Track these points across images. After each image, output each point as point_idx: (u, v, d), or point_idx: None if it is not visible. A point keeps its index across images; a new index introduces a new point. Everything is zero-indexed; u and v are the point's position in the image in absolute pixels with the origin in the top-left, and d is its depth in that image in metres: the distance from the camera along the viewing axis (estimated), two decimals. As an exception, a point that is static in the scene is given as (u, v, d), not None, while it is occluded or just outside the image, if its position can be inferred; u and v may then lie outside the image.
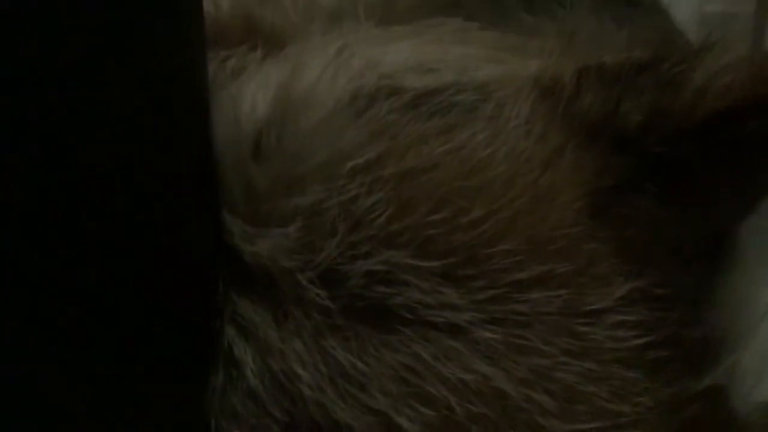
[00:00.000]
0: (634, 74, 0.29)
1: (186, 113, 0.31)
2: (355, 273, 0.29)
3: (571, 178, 0.29)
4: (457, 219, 0.28)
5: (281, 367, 0.29)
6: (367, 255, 0.29)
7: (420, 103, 0.31)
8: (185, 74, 0.31)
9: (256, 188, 0.31)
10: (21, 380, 0.25)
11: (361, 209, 0.29)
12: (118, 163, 0.27)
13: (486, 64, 0.33)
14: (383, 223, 0.29)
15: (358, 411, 0.28)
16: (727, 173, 0.28)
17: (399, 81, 0.32)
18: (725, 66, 0.27)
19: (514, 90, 0.30)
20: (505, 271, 0.28)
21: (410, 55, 0.33)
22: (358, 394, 0.28)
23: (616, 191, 0.29)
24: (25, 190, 0.24)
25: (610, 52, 0.32)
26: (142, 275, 0.28)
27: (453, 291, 0.28)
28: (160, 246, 0.29)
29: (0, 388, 0.24)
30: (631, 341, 0.28)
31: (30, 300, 0.25)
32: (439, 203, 0.29)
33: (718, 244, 0.30)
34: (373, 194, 0.29)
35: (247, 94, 0.35)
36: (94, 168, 0.26)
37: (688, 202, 0.29)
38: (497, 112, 0.30)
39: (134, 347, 0.28)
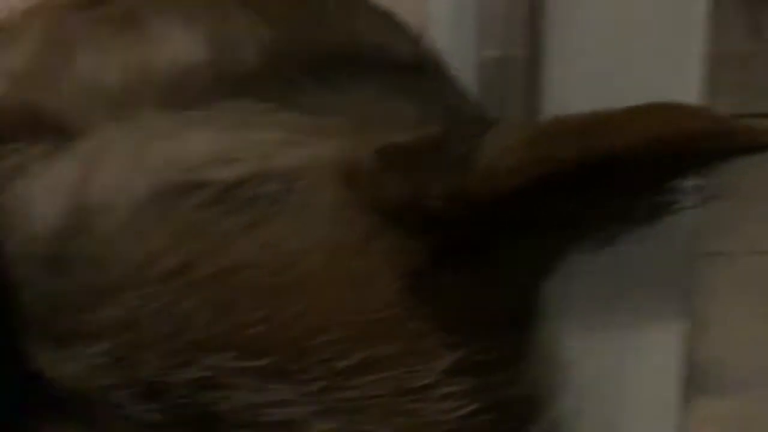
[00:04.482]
0: (429, 154, 0.30)
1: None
2: (180, 382, 0.28)
3: (385, 261, 0.29)
4: (277, 315, 0.28)
5: None
6: (189, 362, 0.28)
7: (225, 198, 0.30)
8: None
9: (56, 305, 0.29)
10: None
11: (178, 315, 0.28)
12: None
13: (287, 150, 0.32)
14: (203, 327, 0.28)
15: None
16: (527, 243, 0.30)
17: (200, 175, 0.31)
18: (510, 147, 0.28)
19: (317, 177, 0.30)
20: (333, 361, 0.28)
21: (209, 145, 0.32)
22: None
23: (430, 268, 0.29)
24: None
25: (403, 130, 0.33)
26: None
27: (283, 387, 0.28)
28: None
29: None
30: (460, 410, 0.29)
31: None
32: (258, 301, 0.28)
33: (527, 303, 0.32)
34: (189, 298, 0.28)
35: (34, 198, 0.32)
36: None
37: (496, 272, 0.30)
38: (303, 202, 0.30)
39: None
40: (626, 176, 0.28)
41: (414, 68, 0.46)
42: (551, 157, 0.27)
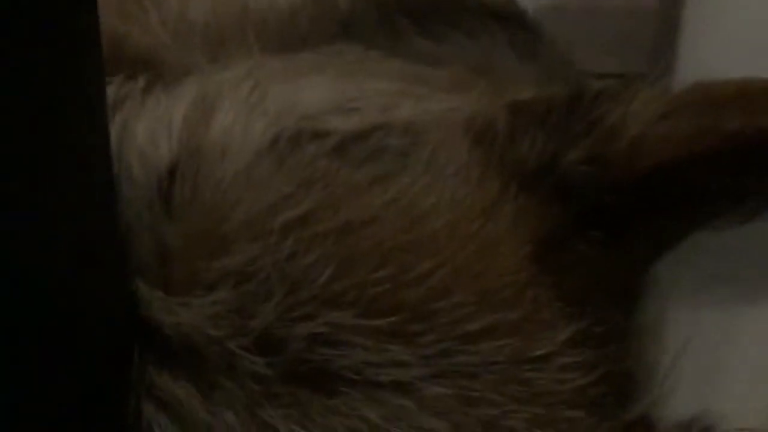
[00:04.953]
0: (563, 117, 0.29)
1: (85, 153, 0.26)
2: (296, 336, 0.27)
3: (514, 225, 0.28)
4: (402, 275, 0.27)
5: None
6: (308, 317, 0.27)
7: (348, 148, 0.29)
8: (81, 101, 0.26)
9: (170, 250, 0.28)
10: None
11: (299, 269, 0.27)
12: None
13: (403, 101, 0.31)
14: (325, 282, 0.27)
15: None
16: (659, 218, 0.29)
17: (320, 123, 0.30)
18: (661, 116, 0.27)
19: (446, 133, 0.29)
20: (454, 324, 0.27)
21: (326, 92, 0.31)
22: None
23: (557, 237, 0.28)
24: None
25: (525, 88, 0.31)
26: (41, 359, 0.25)
27: (400, 348, 0.27)
28: (60, 324, 0.25)
29: None
30: (575, 382, 0.28)
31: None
32: (383, 259, 0.27)
33: (641, 279, 0.31)
34: (311, 252, 0.27)
35: (138, 132, 0.31)
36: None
37: (622, 245, 0.29)
38: (431, 158, 0.29)
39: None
40: None
41: (507, 17, 0.45)
42: (708, 129, 0.26)
